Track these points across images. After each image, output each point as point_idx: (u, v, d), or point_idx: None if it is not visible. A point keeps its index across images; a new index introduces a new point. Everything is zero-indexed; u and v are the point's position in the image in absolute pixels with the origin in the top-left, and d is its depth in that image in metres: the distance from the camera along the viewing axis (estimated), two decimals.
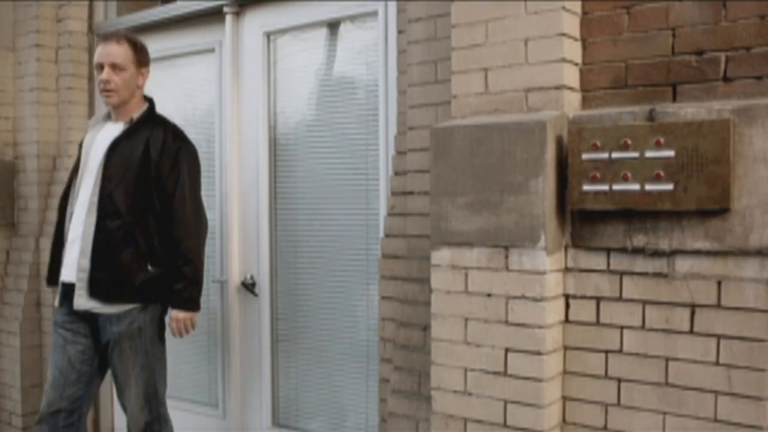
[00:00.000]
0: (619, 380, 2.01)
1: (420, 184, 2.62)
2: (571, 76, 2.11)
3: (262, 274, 3.41)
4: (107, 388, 3.77)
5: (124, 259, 2.69)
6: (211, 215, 3.57)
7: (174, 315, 2.80)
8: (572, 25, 2.11)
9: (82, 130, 3.82)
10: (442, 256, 2.20)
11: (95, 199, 2.71)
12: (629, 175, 1.93)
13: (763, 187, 1.79)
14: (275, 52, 3.40)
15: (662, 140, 1.88)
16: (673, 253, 1.92)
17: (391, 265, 2.73)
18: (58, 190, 3.50)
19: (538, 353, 2.03)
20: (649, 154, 1.90)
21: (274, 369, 3.41)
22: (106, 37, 2.83)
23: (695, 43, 1.97)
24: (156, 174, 2.75)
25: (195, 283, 2.79)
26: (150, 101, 2.92)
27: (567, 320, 2.10)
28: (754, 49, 1.90)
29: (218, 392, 3.60)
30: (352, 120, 3.13)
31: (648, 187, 1.90)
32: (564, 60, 2.07)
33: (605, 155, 1.96)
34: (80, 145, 2.93)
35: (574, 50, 2.12)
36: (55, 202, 3.58)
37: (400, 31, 2.80)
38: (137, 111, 2.84)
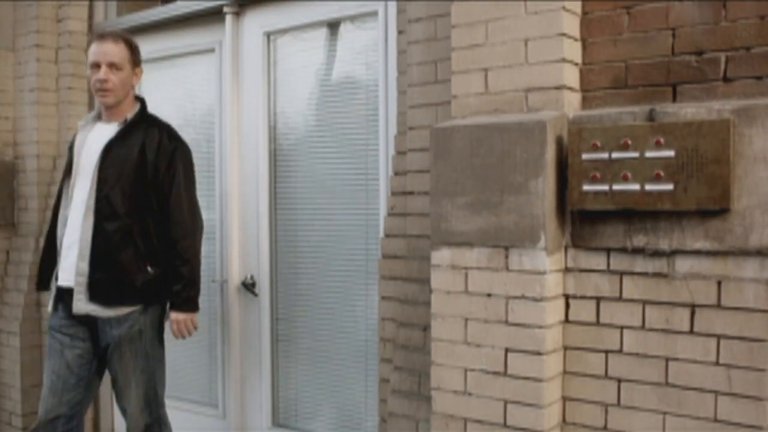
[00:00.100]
0: (619, 380, 2.01)
1: (420, 184, 2.62)
2: (571, 76, 2.11)
3: (262, 274, 3.41)
4: (107, 389, 3.76)
5: (123, 260, 2.67)
6: (211, 215, 3.57)
7: (174, 317, 2.78)
8: (572, 25, 2.11)
9: None
10: (442, 256, 2.20)
11: (92, 201, 2.67)
12: (629, 175, 1.93)
13: (763, 188, 1.79)
14: (275, 52, 3.40)
15: (662, 140, 1.88)
16: (673, 253, 1.92)
17: (391, 265, 2.73)
18: None
19: (538, 353, 2.03)
20: (649, 154, 1.90)
21: (274, 369, 3.41)
22: (102, 36, 2.79)
23: (695, 43, 1.97)
24: (153, 175, 2.73)
25: (193, 283, 2.78)
26: (142, 101, 2.89)
27: (567, 320, 2.10)
28: (754, 49, 1.90)
29: (218, 392, 3.60)
30: (352, 120, 3.13)
31: (648, 187, 1.90)
32: (564, 60, 2.07)
33: (605, 155, 1.96)
34: (70, 147, 2.88)
35: (574, 50, 2.12)
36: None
37: (400, 32, 2.80)
38: (130, 111, 2.81)
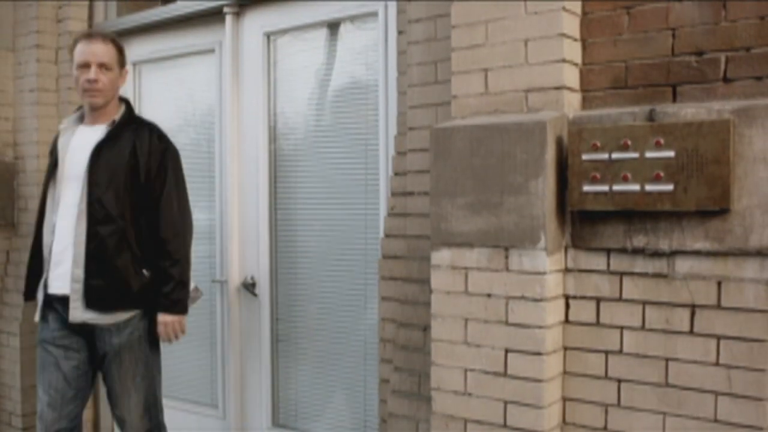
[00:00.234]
0: (619, 380, 2.01)
1: (420, 185, 2.62)
2: (571, 76, 2.11)
3: (262, 275, 3.41)
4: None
5: (120, 265, 2.60)
6: (211, 215, 3.58)
7: (161, 319, 2.69)
8: (572, 25, 2.11)
9: None
10: (442, 256, 2.20)
11: (84, 205, 2.60)
12: (629, 175, 1.93)
13: (763, 188, 1.79)
14: (275, 52, 3.40)
15: (662, 141, 1.88)
16: (673, 254, 1.92)
17: (391, 266, 2.73)
18: None
19: (538, 354, 2.03)
20: (649, 154, 1.90)
21: (274, 369, 3.41)
22: (90, 36, 2.73)
23: (695, 43, 1.97)
24: (145, 176, 2.67)
25: (183, 284, 2.70)
26: (127, 102, 2.83)
27: (567, 321, 2.10)
28: (754, 50, 1.90)
29: (218, 392, 3.60)
30: (352, 120, 3.13)
31: (648, 187, 1.90)
32: (564, 60, 2.07)
33: (605, 156, 1.96)
34: (51, 151, 2.80)
35: (574, 51, 2.12)
36: None
37: (400, 32, 2.80)
38: (116, 113, 2.75)
